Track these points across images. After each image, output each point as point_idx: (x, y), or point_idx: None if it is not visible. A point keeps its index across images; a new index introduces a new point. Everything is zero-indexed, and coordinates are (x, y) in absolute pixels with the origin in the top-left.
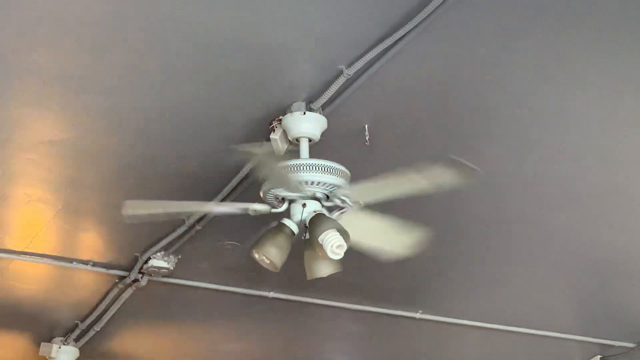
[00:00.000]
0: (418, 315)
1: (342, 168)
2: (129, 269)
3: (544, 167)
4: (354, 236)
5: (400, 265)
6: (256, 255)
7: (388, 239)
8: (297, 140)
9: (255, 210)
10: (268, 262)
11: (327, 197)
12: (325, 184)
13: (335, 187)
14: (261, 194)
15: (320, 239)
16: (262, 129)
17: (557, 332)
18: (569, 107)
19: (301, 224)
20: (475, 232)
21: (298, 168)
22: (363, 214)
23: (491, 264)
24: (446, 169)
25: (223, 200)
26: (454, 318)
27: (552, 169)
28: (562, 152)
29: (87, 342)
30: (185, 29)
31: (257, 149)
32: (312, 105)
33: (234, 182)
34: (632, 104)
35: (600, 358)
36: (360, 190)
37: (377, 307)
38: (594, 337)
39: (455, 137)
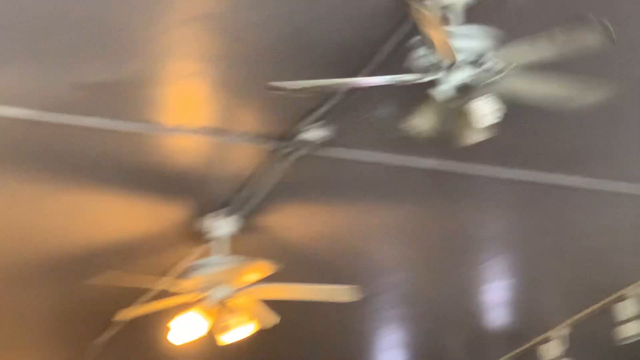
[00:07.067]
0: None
1: (492, 31)
2: (284, 139)
3: None
4: (511, 98)
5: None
6: (408, 125)
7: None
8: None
9: (405, 81)
10: (420, 131)
11: (479, 62)
12: (475, 48)
13: (486, 51)
14: (411, 62)
15: (471, 105)
16: None
17: None
18: None
19: (452, 91)
20: None
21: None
22: (519, 77)
23: None
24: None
25: (372, 71)
26: None
27: None
28: None
29: (244, 216)
30: None
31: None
32: None
33: (385, 49)
34: None
35: None
36: (512, 53)
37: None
38: None
39: None
